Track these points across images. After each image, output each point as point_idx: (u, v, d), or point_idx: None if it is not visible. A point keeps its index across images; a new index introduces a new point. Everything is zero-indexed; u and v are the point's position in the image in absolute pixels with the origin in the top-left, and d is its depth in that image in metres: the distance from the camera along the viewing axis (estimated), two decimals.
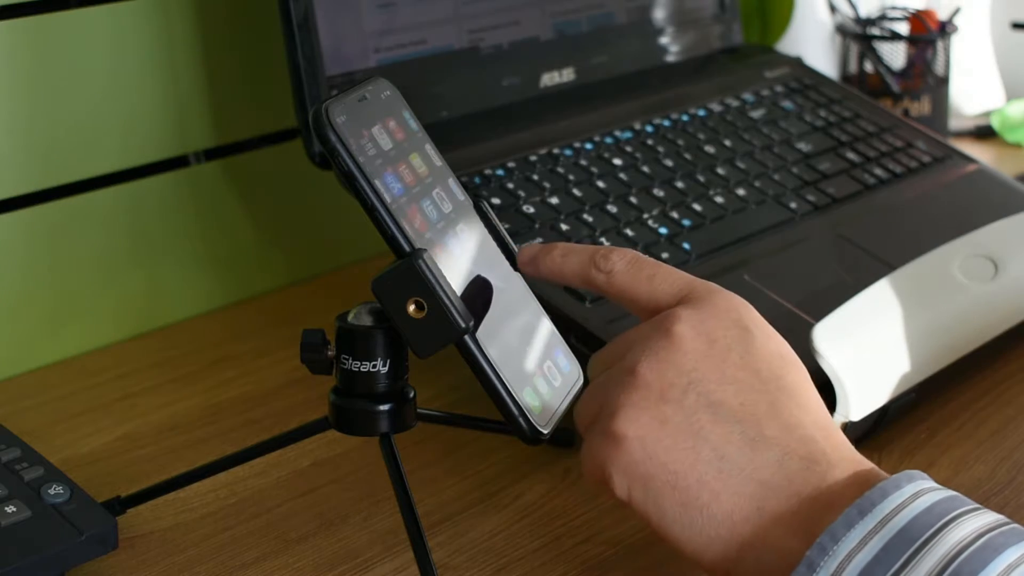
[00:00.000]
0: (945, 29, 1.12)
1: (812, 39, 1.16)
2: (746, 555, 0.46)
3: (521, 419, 0.52)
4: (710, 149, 0.85)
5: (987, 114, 1.22)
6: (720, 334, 0.49)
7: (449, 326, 0.50)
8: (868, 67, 1.12)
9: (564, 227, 0.74)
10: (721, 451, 0.47)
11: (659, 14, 0.96)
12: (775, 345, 0.50)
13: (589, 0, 0.91)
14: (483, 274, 0.54)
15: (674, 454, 0.47)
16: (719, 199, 0.80)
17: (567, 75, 0.89)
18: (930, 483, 0.45)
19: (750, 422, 0.47)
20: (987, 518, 0.43)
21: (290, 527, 0.62)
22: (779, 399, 0.48)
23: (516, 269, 0.55)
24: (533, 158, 0.79)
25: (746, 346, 0.49)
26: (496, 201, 0.74)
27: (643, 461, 0.47)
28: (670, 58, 0.97)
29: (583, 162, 0.80)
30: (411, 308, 0.50)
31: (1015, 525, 0.43)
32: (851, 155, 0.89)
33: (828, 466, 0.47)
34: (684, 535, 0.47)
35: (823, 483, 0.46)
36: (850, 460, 0.47)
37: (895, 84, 1.10)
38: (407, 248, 0.51)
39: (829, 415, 0.50)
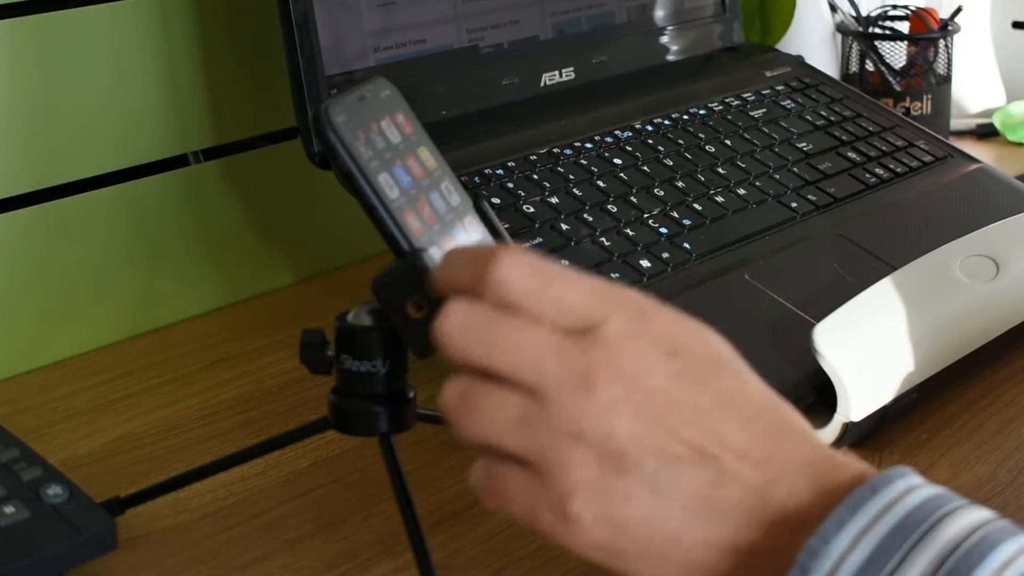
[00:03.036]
0: (946, 28, 1.12)
1: (813, 38, 1.16)
2: None
3: None
4: (711, 148, 0.85)
5: (988, 113, 1.22)
6: (644, 378, 0.45)
7: None
8: (869, 66, 1.12)
9: (564, 227, 0.73)
10: (685, 505, 0.45)
11: (659, 13, 0.96)
12: (704, 354, 0.47)
13: (589, 0, 0.91)
14: None
15: (644, 526, 0.45)
16: (720, 198, 0.80)
17: (567, 75, 0.89)
18: (919, 478, 0.45)
19: (707, 464, 0.45)
20: (980, 513, 0.43)
21: (290, 527, 0.62)
22: (722, 422, 0.46)
23: None
24: (533, 158, 0.79)
25: (681, 381, 0.45)
26: (496, 201, 0.74)
27: (612, 539, 0.45)
28: (670, 57, 0.97)
29: (583, 162, 0.80)
30: (411, 308, 0.50)
31: (1007, 521, 0.43)
32: (852, 154, 0.89)
33: (785, 484, 0.45)
34: None
35: (788, 504, 0.45)
36: (811, 464, 0.45)
37: (896, 83, 1.10)
38: (407, 248, 0.51)
39: (773, 407, 0.47)
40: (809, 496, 0.45)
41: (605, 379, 0.45)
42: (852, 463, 0.46)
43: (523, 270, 0.46)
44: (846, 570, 0.42)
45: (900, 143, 0.92)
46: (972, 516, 0.43)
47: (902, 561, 0.42)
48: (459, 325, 0.46)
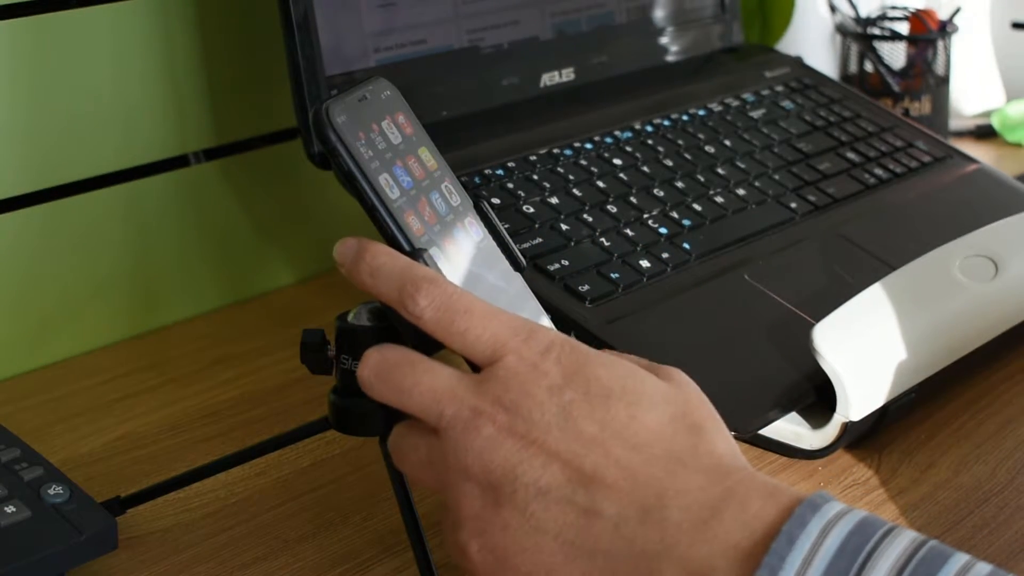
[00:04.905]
0: (945, 29, 1.12)
1: (812, 39, 1.16)
2: None
3: None
4: (710, 149, 0.85)
5: (987, 114, 1.22)
6: (526, 411, 0.46)
7: None
8: (868, 67, 1.12)
9: (564, 227, 0.74)
10: (561, 536, 0.45)
11: (659, 14, 0.96)
12: (598, 388, 0.47)
13: (589, 0, 0.91)
14: (483, 274, 0.54)
15: (521, 557, 0.46)
16: (719, 199, 0.80)
17: (567, 75, 0.89)
18: (834, 506, 0.43)
19: (580, 493, 0.45)
20: (902, 543, 0.41)
21: (290, 527, 0.62)
22: (604, 450, 0.46)
23: (516, 269, 0.56)
24: (533, 158, 0.79)
25: (566, 413, 0.46)
26: (496, 201, 0.74)
27: (496, 568, 0.47)
28: (670, 58, 0.97)
29: (583, 162, 0.80)
30: None
31: (932, 543, 0.42)
32: (851, 155, 0.89)
33: (665, 512, 0.44)
34: None
35: (668, 534, 0.44)
36: (699, 494, 0.45)
37: (895, 84, 1.10)
38: (408, 248, 0.51)
39: (668, 439, 0.46)
40: (692, 527, 0.44)
41: (491, 414, 0.47)
42: (752, 495, 0.44)
43: (437, 302, 0.48)
44: None
45: (899, 144, 0.92)
46: (895, 548, 0.41)
47: None
48: (375, 371, 0.49)
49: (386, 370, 0.49)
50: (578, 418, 0.46)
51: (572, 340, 0.49)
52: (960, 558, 0.41)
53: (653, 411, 0.47)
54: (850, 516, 0.42)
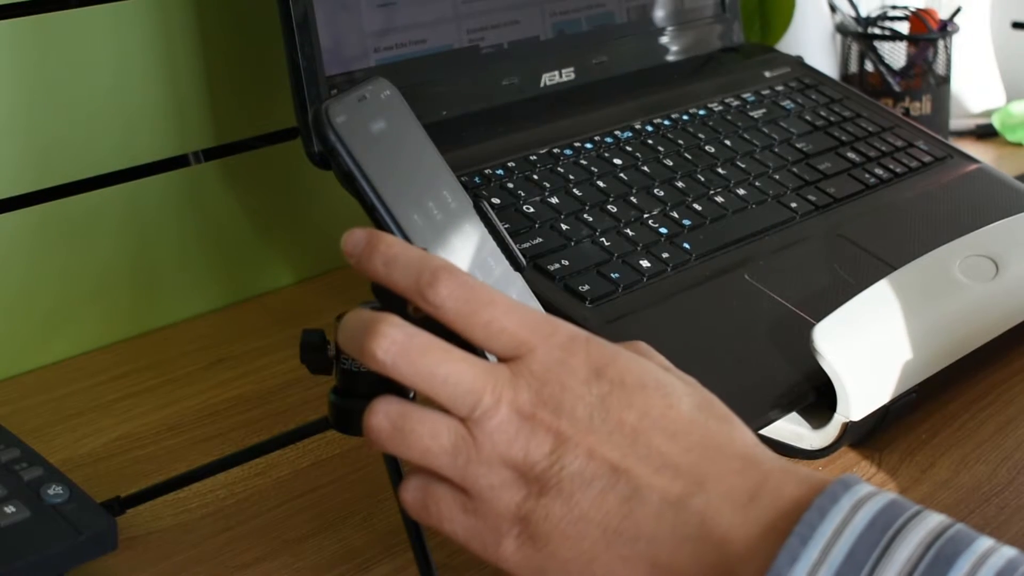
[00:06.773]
0: (946, 28, 1.12)
1: (813, 38, 1.16)
2: None
3: None
4: (710, 149, 0.85)
5: (988, 113, 1.22)
6: (569, 405, 0.47)
7: None
8: (869, 66, 1.12)
9: (564, 227, 0.74)
10: (604, 524, 0.46)
11: (659, 14, 0.96)
12: (632, 379, 0.47)
13: (589, 0, 0.91)
14: (483, 274, 0.54)
15: (562, 544, 0.46)
16: (719, 199, 0.80)
17: (567, 75, 0.89)
18: (865, 487, 0.44)
19: (623, 482, 0.46)
20: (931, 523, 0.42)
21: (290, 527, 0.62)
22: (644, 439, 0.46)
23: (516, 269, 0.56)
24: (533, 158, 0.79)
25: (605, 405, 0.47)
26: (496, 201, 0.74)
27: (533, 555, 0.47)
28: (670, 58, 0.97)
29: (583, 162, 0.80)
30: (411, 308, 0.50)
31: (960, 525, 0.43)
32: (852, 155, 0.89)
33: (706, 496, 0.45)
34: None
35: (709, 518, 0.45)
36: (738, 477, 0.46)
37: (896, 83, 1.10)
38: None
39: (703, 425, 0.47)
40: (731, 511, 0.45)
41: (530, 409, 0.47)
42: (787, 479, 0.45)
43: (458, 293, 0.47)
44: None
45: (899, 143, 0.92)
46: (924, 527, 0.42)
47: None
48: (401, 349, 0.46)
49: (415, 352, 0.46)
50: (618, 409, 0.47)
51: (591, 335, 0.49)
52: (986, 541, 0.42)
53: (684, 401, 0.48)
54: (881, 496, 0.44)
